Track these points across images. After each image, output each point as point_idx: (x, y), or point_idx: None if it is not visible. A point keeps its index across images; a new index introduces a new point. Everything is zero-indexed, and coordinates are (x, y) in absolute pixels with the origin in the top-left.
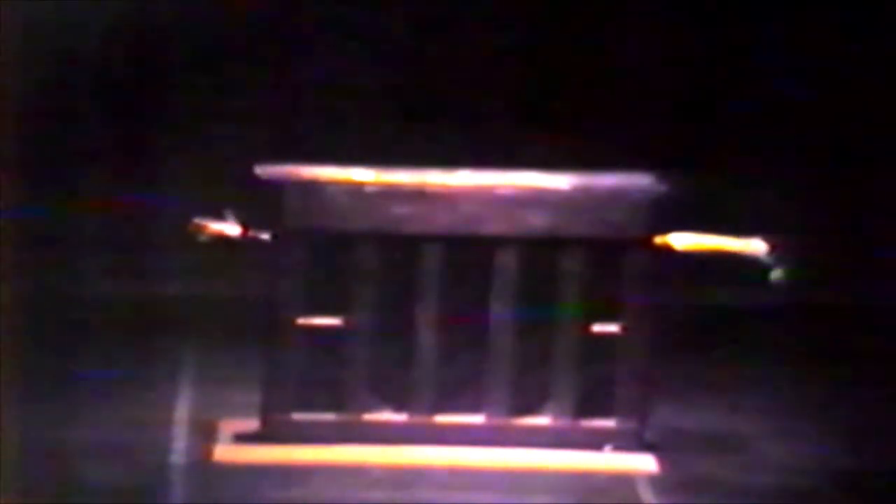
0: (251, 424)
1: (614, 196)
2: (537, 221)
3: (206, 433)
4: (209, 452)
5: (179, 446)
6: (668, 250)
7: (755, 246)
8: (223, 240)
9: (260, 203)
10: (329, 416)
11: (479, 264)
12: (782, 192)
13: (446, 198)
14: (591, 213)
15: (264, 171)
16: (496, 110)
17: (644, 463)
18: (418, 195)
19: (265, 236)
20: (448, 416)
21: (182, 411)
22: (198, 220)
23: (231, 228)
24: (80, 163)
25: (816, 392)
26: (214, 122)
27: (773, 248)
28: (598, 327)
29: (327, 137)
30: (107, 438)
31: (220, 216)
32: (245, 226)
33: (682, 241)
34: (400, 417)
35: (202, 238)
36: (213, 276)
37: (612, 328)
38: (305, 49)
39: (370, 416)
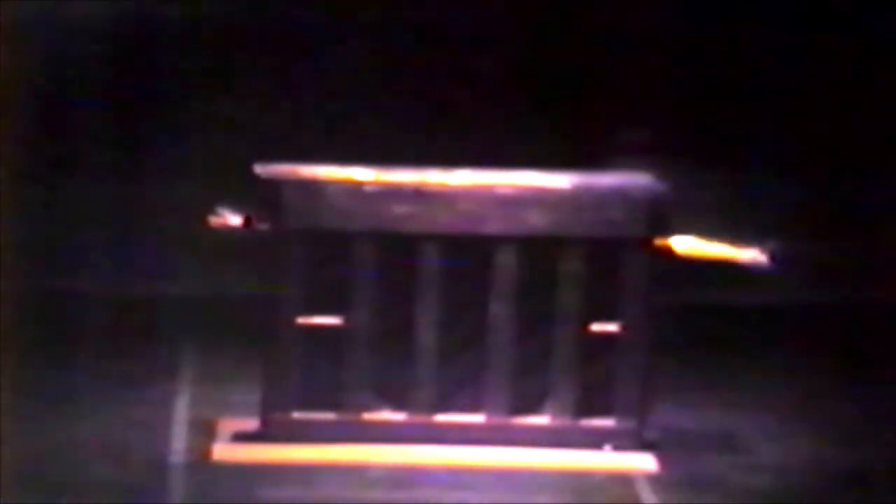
0: (251, 423)
1: (614, 196)
2: (537, 221)
3: (205, 432)
4: (209, 451)
5: (179, 445)
6: (667, 251)
7: (749, 255)
8: (229, 236)
9: (260, 203)
10: (329, 416)
11: (479, 264)
12: (783, 191)
13: (446, 197)
14: (591, 213)
15: (264, 170)
16: (496, 109)
17: (643, 462)
18: (418, 195)
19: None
20: (447, 415)
21: (181, 410)
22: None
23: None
24: (80, 163)
25: (816, 392)
26: (214, 122)
27: (772, 257)
28: (597, 327)
29: (328, 137)
30: (106, 438)
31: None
32: (248, 218)
33: (681, 244)
34: (399, 417)
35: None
36: (213, 275)
37: (612, 328)
38: (305, 48)
39: (370, 416)
